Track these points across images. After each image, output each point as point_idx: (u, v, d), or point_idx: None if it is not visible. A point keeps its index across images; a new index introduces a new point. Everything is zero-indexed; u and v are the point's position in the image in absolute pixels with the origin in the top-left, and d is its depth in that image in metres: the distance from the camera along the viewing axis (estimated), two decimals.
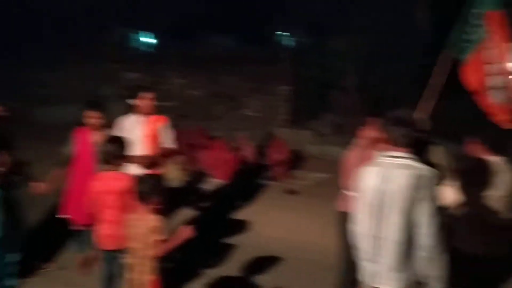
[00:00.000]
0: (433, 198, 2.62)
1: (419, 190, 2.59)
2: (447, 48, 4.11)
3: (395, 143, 2.75)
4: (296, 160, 9.39)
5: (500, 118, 3.84)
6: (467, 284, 3.55)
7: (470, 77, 3.92)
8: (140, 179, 3.48)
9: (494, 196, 3.67)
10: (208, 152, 8.62)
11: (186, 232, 3.38)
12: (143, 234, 3.32)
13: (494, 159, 3.75)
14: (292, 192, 8.03)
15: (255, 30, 14.90)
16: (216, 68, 12.74)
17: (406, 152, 2.72)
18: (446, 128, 6.80)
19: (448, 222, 3.20)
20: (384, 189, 2.68)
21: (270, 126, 11.15)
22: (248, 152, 9.17)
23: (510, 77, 3.67)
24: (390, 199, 2.65)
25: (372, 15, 11.91)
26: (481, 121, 4.09)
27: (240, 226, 6.36)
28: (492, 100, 3.84)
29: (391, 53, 12.09)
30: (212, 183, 8.23)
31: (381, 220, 2.69)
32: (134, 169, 4.35)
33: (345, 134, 11.44)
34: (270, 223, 6.48)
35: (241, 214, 6.86)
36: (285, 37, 15.36)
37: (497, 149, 3.77)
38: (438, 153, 4.04)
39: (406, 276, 2.69)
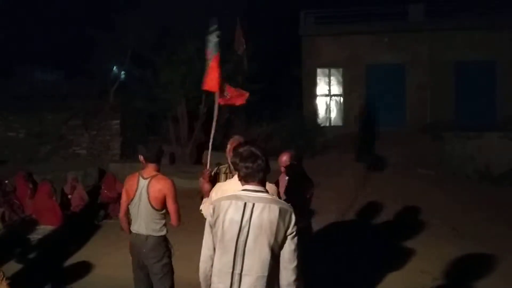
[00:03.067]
0: (296, 233, 2.58)
1: (284, 224, 2.54)
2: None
3: (250, 178, 2.66)
4: None
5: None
6: None
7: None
8: None
9: None
10: (32, 197, 8.02)
11: None
12: None
13: None
14: None
15: (80, 64, 14.37)
16: (39, 106, 11.95)
17: (260, 186, 2.66)
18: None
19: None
20: (247, 223, 2.55)
21: (102, 162, 10.84)
22: (80, 192, 8.78)
23: None
24: (254, 234, 2.53)
25: (196, 45, 12.41)
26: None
27: (77, 271, 6.04)
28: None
29: None
30: (40, 230, 7.66)
31: (245, 256, 2.54)
32: None
33: (179, 163, 11.74)
34: (110, 263, 6.28)
35: (76, 259, 6.52)
36: (112, 70, 15.11)
37: None
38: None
39: None
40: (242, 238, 2.55)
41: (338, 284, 5.34)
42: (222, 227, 2.59)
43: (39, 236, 7.48)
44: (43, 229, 7.67)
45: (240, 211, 2.57)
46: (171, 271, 4.03)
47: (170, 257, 4.04)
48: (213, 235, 2.66)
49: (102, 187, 8.83)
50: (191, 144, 12.19)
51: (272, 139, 13.34)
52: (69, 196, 8.62)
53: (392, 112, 16.13)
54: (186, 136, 12.36)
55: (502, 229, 7.27)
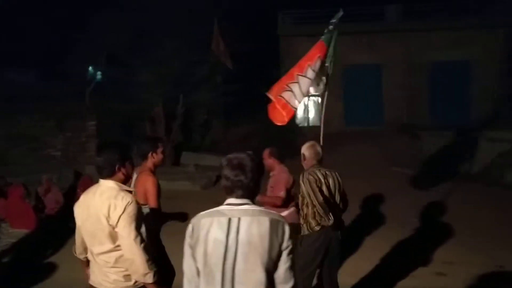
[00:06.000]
0: (293, 247, 2.23)
1: (277, 238, 2.17)
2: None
3: (229, 191, 2.29)
4: None
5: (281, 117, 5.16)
6: None
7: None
8: None
9: None
10: (4, 200, 7.82)
11: None
12: None
13: None
14: None
15: (56, 65, 14.12)
16: (13, 107, 11.70)
17: (246, 198, 2.28)
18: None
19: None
20: (234, 242, 2.16)
21: (77, 164, 10.66)
22: (55, 194, 8.61)
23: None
24: (243, 254, 2.14)
25: (173, 46, 12.33)
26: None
27: (46, 273, 5.99)
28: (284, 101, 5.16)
29: (194, 83, 12.68)
30: (14, 234, 7.47)
31: (234, 282, 2.14)
32: None
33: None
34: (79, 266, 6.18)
35: (48, 262, 6.42)
36: (88, 71, 14.90)
37: None
38: None
39: None
40: (229, 261, 2.15)
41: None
42: (205, 249, 2.18)
43: (13, 240, 7.29)
44: (17, 232, 7.49)
45: (224, 228, 2.18)
46: None
47: None
48: (194, 260, 2.24)
49: (78, 190, 8.68)
50: (168, 145, 12.09)
51: (251, 140, 13.32)
52: (43, 198, 8.44)
53: (369, 112, 16.31)
54: (163, 137, 12.26)
55: (478, 225, 7.41)
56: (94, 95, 12.75)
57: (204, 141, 13.14)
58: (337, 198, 4.31)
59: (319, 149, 4.49)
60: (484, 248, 6.42)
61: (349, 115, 17.34)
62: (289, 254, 2.19)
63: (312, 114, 18.05)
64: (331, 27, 5.38)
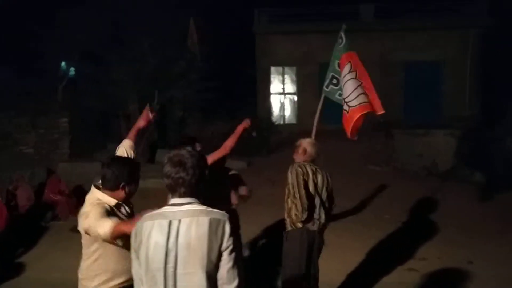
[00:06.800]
0: (234, 246, 2.15)
1: (217, 238, 2.11)
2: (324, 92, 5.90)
3: (171, 190, 2.24)
4: (81, 195, 8.99)
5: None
6: None
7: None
8: None
9: None
10: None
11: None
12: None
13: None
14: (77, 230, 7.61)
15: (29, 60, 13.81)
16: None
17: (190, 196, 2.22)
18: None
19: None
20: (174, 246, 2.10)
21: (50, 162, 10.48)
22: (27, 192, 8.47)
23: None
24: (183, 258, 2.09)
25: (148, 43, 12.21)
26: None
27: (16, 272, 5.93)
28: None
29: (169, 80, 12.59)
30: None
31: (176, 283, 2.10)
32: None
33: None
34: (49, 266, 6.11)
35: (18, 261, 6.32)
36: (61, 67, 14.63)
37: None
38: None
39: None
40: (170, 265, 2.09)
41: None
42: (147, 254, 2.13)
43: None
44: None
45: (164, 232, 2.11)
46: None
47: None
48: (139, 264, 2.18)
49: (46, 190, 8.56)
50: (143, 142, 11.97)
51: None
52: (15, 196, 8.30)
53: None
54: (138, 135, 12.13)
55: (450, 221, 7.58)
56: (68, 91, 12.52)
57: (179, 138, 13.04)
58: (324, 195, 4.29)
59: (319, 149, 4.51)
60: (456, 244, 6.59)
61: (326, 113, 17.43)
62: (230, 253, 2.13)
63: (288, 112, 18.13)
64: (340, 40, 5.91)
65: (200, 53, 11.98)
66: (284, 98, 17.99)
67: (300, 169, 4.19)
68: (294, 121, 17.60)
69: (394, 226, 7.40)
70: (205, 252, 2.08)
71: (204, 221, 2.11)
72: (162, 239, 2.11)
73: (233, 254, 2.14)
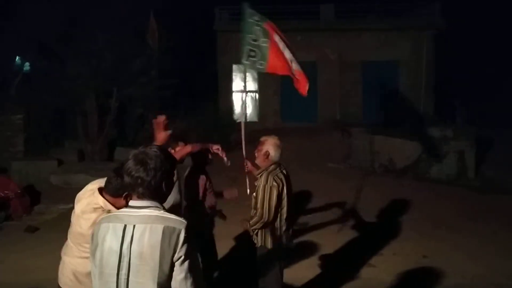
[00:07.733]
0: (186, 256, 2.02)
1: (169, 248, 1.99)
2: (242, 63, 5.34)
3: (133, 187, 2.10)
4: (35, 194, 8.75)
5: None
6: None
7: (280, 69, 5.23)
8: None
9: None
10: None
11: None
12: None
13: None
14: (32, 229, 7.42)
15: None
16: None
17: (148, 200, 2.09)
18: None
19: None
20: (128, 252, 2.01)
21: (3, 160, 10.11)
22: None
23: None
24: (135, 266, 2.00)
25: (106, 38, 11.95)
26: None
27: None
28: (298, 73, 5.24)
29: (129, 76, 12.37)
30: None
31: None
32: None
33: (88, 160, 11.27)
34: (7, 269, 5.90)
35: None
36: (15, 61, 14.12)
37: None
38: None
39: None
40: (123, 271, 2.00)
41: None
42: (101, 258, 2.04)
43: None
44: None
45: (119, 236, 2.02)
46: None
47: None
48: (95, 267, 2.09)
49: None
50: (101, 140, 11.73)
51: (187, 134, 13.18)
52: None
53: (304, 108, 16.65)
54: (95, 132, 11.86)
55: (407, 216, 7.80)
56: (22, 87, 12.11)
57: (138, 136, 12.85)
58: (291, 198, 3.99)
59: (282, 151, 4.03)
60: (412, 239, 6.79)
61: (285, 111, 17.65)
62: (182, 264, 2.00)
63: (249, 110, 18.17)
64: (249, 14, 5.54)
65: (160, 50, 11.81)
66: (246, 96, 18.02)
67: (275, 183, 3.81)
68: (255, 119, 17.67)
69: (352, 223, 7.53)
70: (157, 262, 1.97)
71: (158, 229, 1.99)
72: (116, 244, 2.02)
73: (186, 264, 2.01)
